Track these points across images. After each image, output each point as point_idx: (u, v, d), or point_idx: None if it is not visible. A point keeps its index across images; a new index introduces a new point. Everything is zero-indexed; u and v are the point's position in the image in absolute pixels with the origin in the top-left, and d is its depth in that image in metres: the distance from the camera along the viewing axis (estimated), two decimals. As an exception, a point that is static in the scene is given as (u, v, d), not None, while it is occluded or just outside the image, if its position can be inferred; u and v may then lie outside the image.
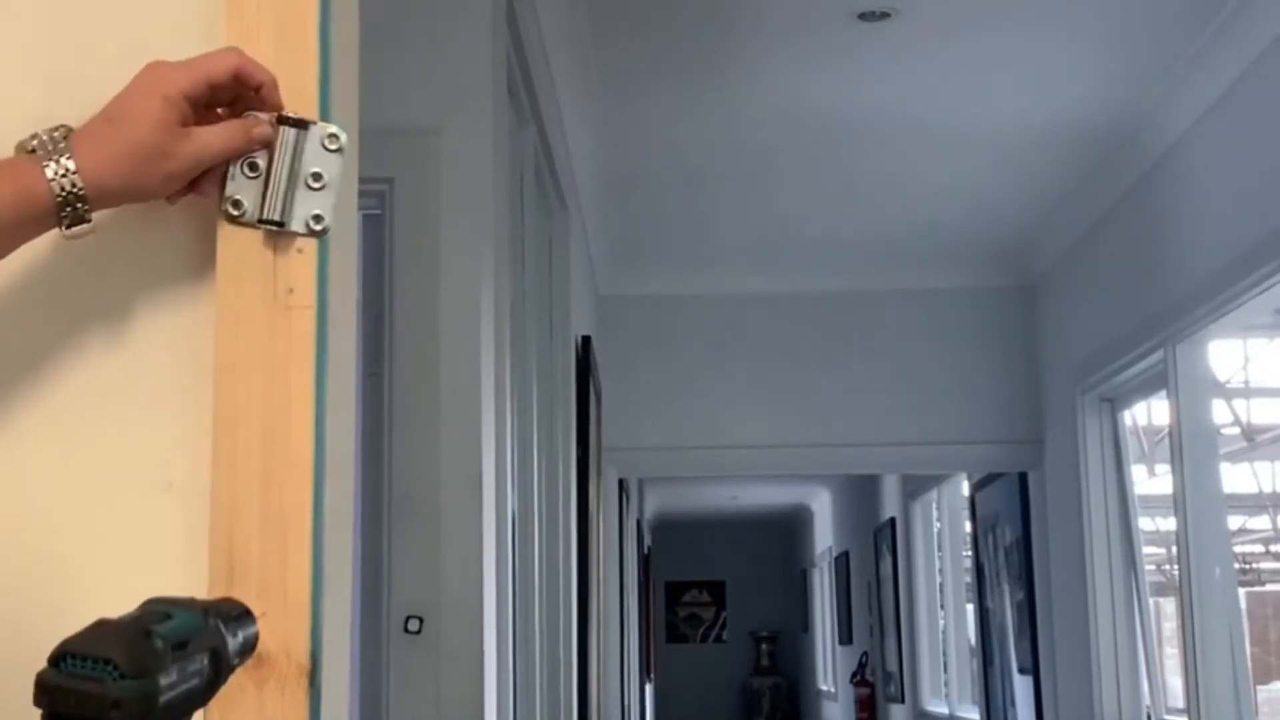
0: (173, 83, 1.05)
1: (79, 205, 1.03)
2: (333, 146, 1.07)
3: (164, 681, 0.76)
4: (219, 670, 0.82)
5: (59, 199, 1.02)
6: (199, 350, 1.07)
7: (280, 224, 1.06)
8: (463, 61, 2.67)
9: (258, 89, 1.08)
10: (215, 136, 1.07)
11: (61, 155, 1.03)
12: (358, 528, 2.41)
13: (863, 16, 3.93)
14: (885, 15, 3.93)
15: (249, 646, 0.88)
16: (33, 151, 1.04)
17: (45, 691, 0.76)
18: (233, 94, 1.08)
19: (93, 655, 0.75)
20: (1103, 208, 5.36)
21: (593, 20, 3.98)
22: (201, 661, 0.80)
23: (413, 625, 2.39)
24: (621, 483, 6.69)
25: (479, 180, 2.60)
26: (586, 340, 4.98)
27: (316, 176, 1.06)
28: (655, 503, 12.60)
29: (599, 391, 5.48)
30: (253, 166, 1.06)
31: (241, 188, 1.07)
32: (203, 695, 0.81)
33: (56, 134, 1.05)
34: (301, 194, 1.06)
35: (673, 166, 5.22)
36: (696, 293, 6.42)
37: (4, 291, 1.09)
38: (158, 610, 0.80)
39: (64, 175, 1.02)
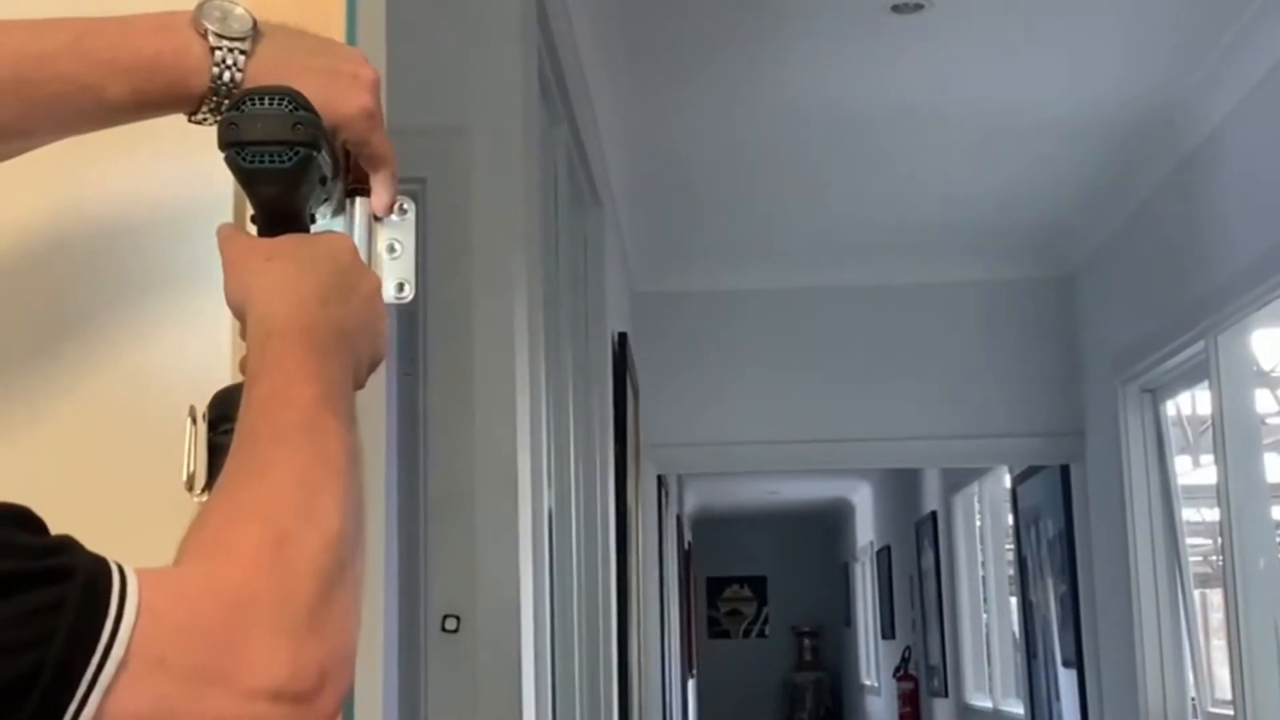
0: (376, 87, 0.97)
1: (222, 104, 0.91)
2: (399, 218, 1.03)
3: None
4: (335, 161, 0.93)
5: (211, 85, 0.91)
6: (217, 351, 1.07)
7: None
8: (494, 60, 2.67)
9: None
10: (388, 145, 0.98)
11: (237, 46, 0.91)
12: (394, 528, 2.41)
13: (896, 9, 3.92)
14: (919, 7, 3.91)
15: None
16: (204, 34, 0.91)
17: (230, 125, 0.86)
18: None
19: (271, 93, 0.86)
20: (1141, 196, 5.31)
21: (624, 17, 3.98)
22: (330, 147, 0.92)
23: (450, 624, 2.39)
24: (660, 479, 6.69)
25: (511, 179, 2.60)
26: (623, 337, 4.98)
27: (391, 248, 1.03)
28: (695, 498, 12.59)
29: (636, 388, 5.48)
30: None
31: None
32: (334, 170, 0.93)
33: (242, 25, 0.92)
34: (382, 263, 1.03)
35: (706, 162, 5.21)
36: (732, 288, 6.40)
37: (11, 298, 1.09)
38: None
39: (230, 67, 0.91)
